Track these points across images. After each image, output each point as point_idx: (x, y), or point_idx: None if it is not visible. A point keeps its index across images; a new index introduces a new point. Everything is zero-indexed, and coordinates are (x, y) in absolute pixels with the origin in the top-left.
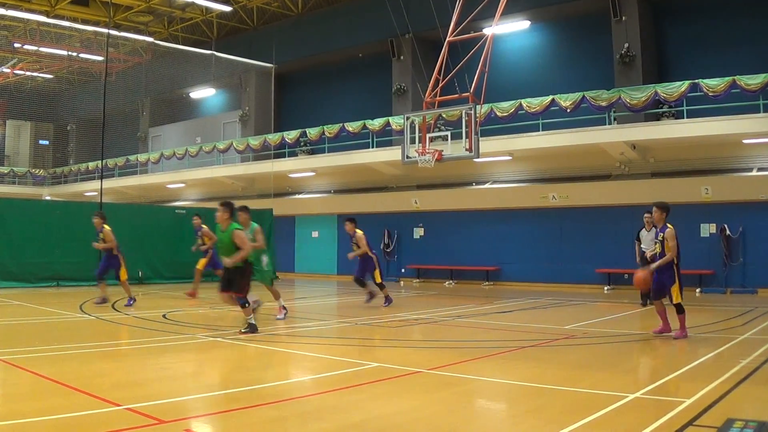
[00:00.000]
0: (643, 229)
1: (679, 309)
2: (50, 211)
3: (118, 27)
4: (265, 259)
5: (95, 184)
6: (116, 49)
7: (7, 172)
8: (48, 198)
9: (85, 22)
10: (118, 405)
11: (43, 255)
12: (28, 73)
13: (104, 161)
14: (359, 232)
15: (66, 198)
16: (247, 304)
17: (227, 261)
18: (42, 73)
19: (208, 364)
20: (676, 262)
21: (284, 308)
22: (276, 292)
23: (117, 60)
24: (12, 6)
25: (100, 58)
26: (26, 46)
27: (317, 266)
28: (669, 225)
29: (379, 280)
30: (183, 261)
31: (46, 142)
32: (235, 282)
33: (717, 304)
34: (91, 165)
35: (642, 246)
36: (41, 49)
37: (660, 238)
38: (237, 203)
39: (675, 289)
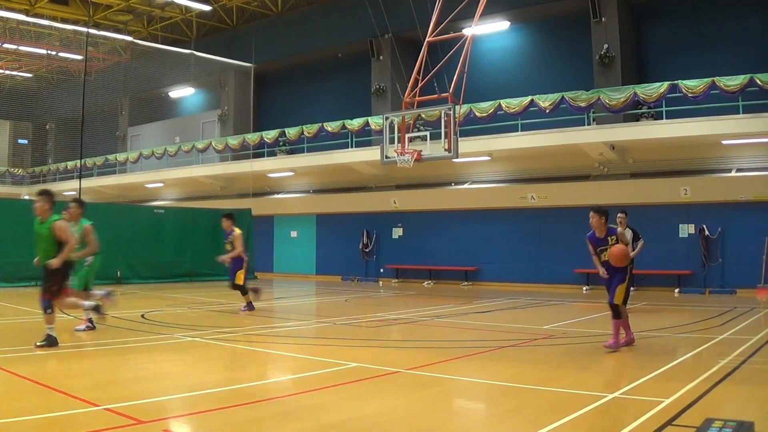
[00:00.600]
0: (617, 228)
1: (616, 313)
2: (28, 210)
3: (97, 26)
4: (89, 259)
5: (74, 184)
6: (95, 48)
7: None
8: (27, 197)
9: (64, 20)
10: (97, 405)
11: (21, 254)
12: (7, 72)
13: (83, 160)
14: (237, 230)
15: None
16: (50, 310)
17: (53, 262)
18: (21, 71)
19: (186, 365)
20: (630, 265)
21: (90, 321)
22: (90, 296)
23: (96, 59)
24: None
25: (80, 57)
26: (5, 45)
27: (296, 266)
28: (615, 226)
29: (241, 282)
30: (162, 261)
31: (25, 141)
32: (49, 281)
33: (696, 304)
34: (70, 164)
35: None
36: (20, 47)
37: (611, 242)
38: (214, 203)
39: (621, 288)
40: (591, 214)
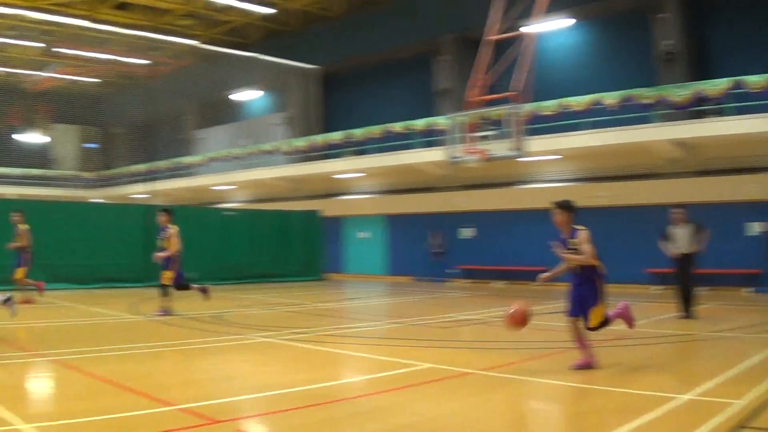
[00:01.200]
0: (673, 226)
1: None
2: (97, 214)
3: (159, 31)
4: None
5: (142, 187)
6: (159, 53)
7: (55, 176)
8: (96, 201)
9: (126, 26)
10: (171, 405)
11: (91, 257)
12: (72, 78)
13: (150, 164)
14: (173, 227)
15: (114, 200)
16: None
17: None
18: (86, 77)
19: (259, 365)
20: (599, 273)
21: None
22: None
23: (160, 63)
24: (53, 11)
25: (144, 62)
26: (68, 51)
27: (366, 267)
28: (580, 227)
29: (168, 283)
30: (233, 262)
31: (93, 146)
32: None
33: (765, 303)
34: (138, 168)
35: (677, 245)
36: (83, 53)
37: (572, 244)
38: (283, 205)
39: (597, 312)
40: (554, 210)
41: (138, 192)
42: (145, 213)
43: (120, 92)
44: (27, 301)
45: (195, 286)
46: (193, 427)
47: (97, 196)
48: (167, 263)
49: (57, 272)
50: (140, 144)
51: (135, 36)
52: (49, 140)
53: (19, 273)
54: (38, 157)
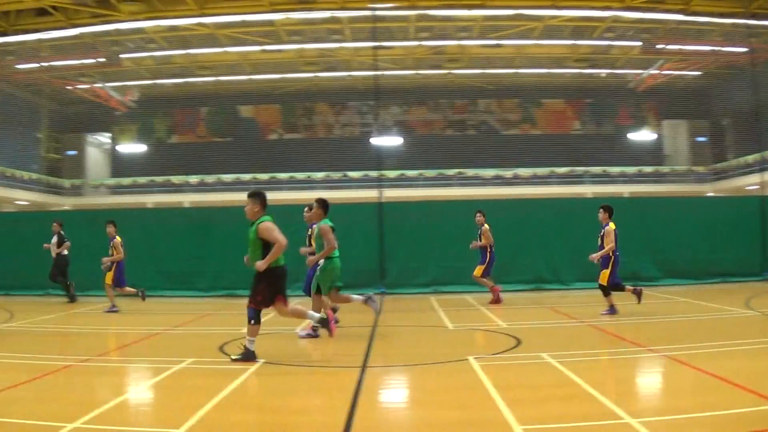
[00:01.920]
0: None
1: None
2: (711, 207)
3: (755, 16)
4: (322, 262)
5: (754, 178)
6: (759, 39)
7: (668, 172)
8: (710, 195)
9: (720, 15)
10: None
11: (706, 251)
12: (675, 73)
13: (762, 153)
14: (611, 225)
15: (727, 193)
16: (253, 321)
17: (259, 264)
18: (688, 70)
19: None
20: None
21: (314, 329)
22: (321, 305)
23: (761, 50)
24: (647, 9)
25: (743, 50)
26: (668, 46)
27: None
28: None
29: (604, 283)
30: None
31: (703, 139)
32: (254, 287)
33: None
34: (750, 158)
35: None
36: (683, 47)
37: None
38: None
39: None
40: None
41: (750, 183)
42: (760, 205)
43: (724, 82)
44: (496, 301)
45: (629, 287)
46: None
47: (710, 190)
48: (605, 262)
49: (672, 267)
50: (750, 134)
51: (731, 24)
52: (658, 137)
53: (478, 271)
54: (650, 154)
